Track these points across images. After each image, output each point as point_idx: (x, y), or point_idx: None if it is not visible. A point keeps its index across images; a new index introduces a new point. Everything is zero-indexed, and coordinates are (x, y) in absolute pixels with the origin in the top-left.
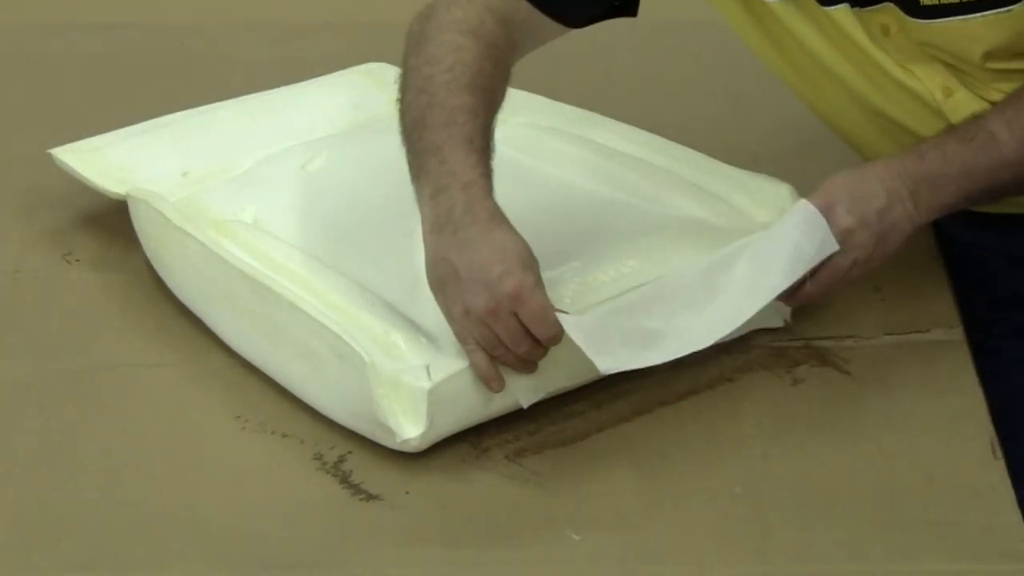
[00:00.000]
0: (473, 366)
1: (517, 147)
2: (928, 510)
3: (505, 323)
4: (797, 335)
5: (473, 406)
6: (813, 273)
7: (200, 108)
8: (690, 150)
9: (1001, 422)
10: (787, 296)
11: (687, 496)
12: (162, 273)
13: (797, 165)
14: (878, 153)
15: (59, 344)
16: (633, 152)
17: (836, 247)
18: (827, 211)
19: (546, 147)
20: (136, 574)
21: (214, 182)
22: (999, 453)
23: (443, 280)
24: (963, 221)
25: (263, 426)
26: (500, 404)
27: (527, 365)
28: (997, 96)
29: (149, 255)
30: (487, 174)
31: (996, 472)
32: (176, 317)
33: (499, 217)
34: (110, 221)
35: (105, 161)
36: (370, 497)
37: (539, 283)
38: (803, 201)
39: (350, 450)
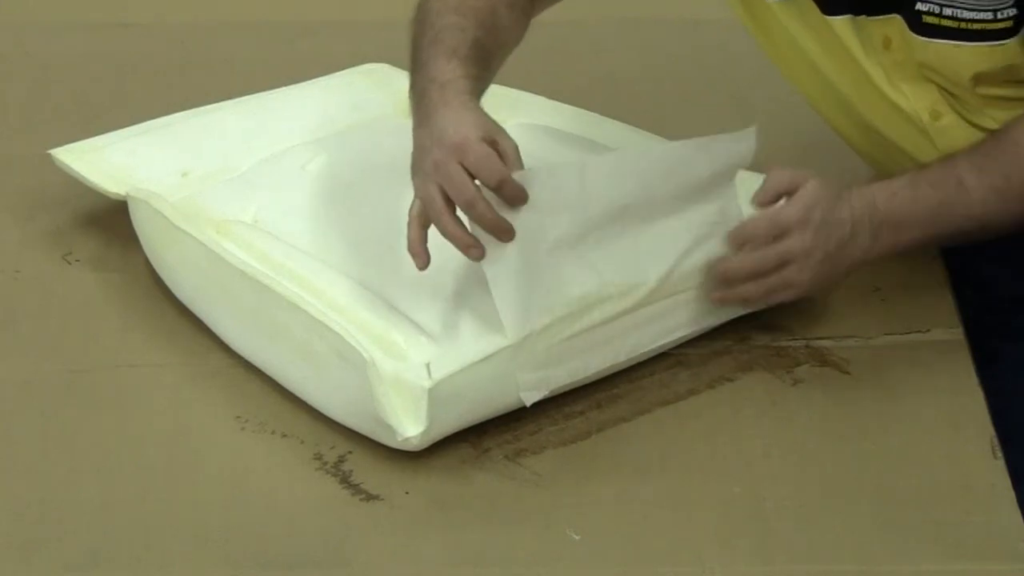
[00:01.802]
0: (408, 240)
1: None
2: (928, 510)
3: (449, 172)
4: (797, 335)
5: (474, 404)
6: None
7: (200, 108)
8: None
9: (997, 425)
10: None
11: (687, 496)
12: (162, 273)
13: (797, 165)
14: (874, 160)
15: (59, 344)
16: None
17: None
18: (798, 223)
19: (546, 147)
20: (136, 574)
21: (214, 182)
22: (999, 453)
23: (415, 165)
24: None
25: (263, 426)
26: (501, 402)
27: (463, 234)
28: (987, 122)
29: (149, 255)
30: (469, 76)
31: (996, 472)
32: (176, 317)
33: (471, 103)
34: (110, 221)
35: (105, 161)
36: (370, 497)
37: (486, 141)
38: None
39: (350, 450)
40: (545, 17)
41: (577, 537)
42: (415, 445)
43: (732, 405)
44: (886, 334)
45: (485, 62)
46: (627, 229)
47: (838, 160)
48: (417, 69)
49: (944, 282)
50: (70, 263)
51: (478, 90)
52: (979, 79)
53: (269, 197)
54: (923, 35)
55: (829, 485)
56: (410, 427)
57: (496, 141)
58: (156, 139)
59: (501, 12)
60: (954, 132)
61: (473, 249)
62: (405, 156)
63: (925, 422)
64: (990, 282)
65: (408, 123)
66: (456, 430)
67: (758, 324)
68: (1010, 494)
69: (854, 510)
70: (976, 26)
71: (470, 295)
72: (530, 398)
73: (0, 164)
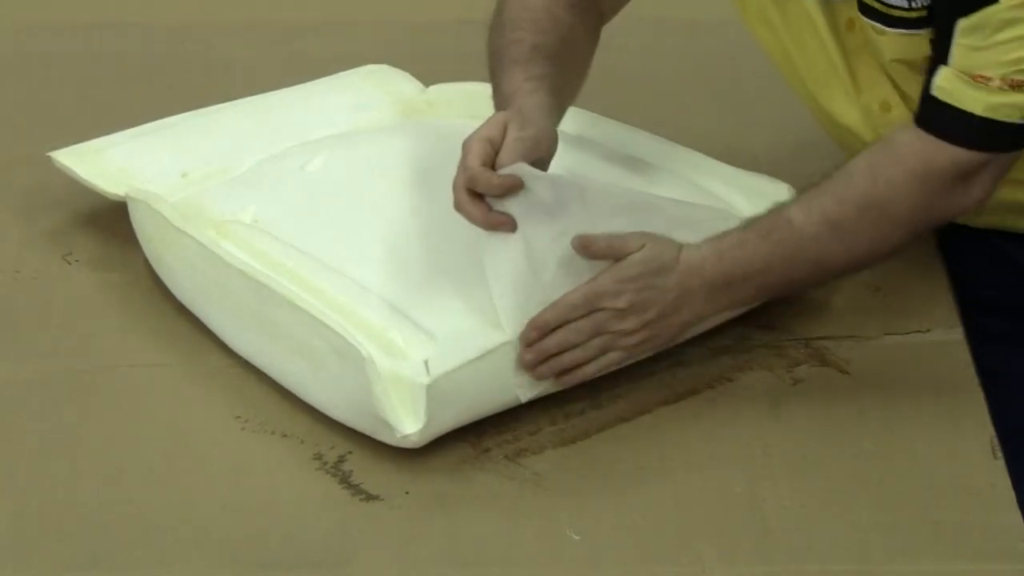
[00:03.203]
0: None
1: None
2: (928, 510)
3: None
4: (797, 335)
5: (473, 401)
6: None
7: (200, 110)
8: (690, 150)
9: (996, 425)
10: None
11: (687, 496)
12: (162, 273)
13: (797, 165)
14: (845, 151)
15: (59, 344)
16: (633, 152)
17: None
18: (608, 293)
19: None
20: (136, 574)
21: (214, 182)
22: (999, 453)
23: None
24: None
25: (263, 426)
26: (500, 399)
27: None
28: None
29: (149, 256)
30: (531, 78)
31: (996, 472)
32: (176, 317)
33: (517, 106)
34: (110, 221)
35: (105, 163)
36: (370, 497)
37: (488, 135)
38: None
39: (350, 450)
40: None
41: (577, 537)
42: (414, 442)
43: (732, 405)
44: (886, 334)
45: (548, 61)
46: (625, 226)
47: (837, 160)
48: (495, 92)
49: (944, 282)
50: (70, 263)
51: (544, 88)
52: (911, 67)
53: (269, 197)
54: (864, 15)
55: (829, 485)
56: (409, 424)
57: (496, 139)
58: (156, 140)
59: (559, 14)
60: None
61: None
62: (404, 156)
63: (925, 422)
64: (973, 286)
65: (407, 124)
66: (455, 427)
67: (758, 324)
68: (1010, 494)
69: (854, 510)
70: (896, 12)
71: (468, 293)
72: (525, 394)
73: (0, 164)
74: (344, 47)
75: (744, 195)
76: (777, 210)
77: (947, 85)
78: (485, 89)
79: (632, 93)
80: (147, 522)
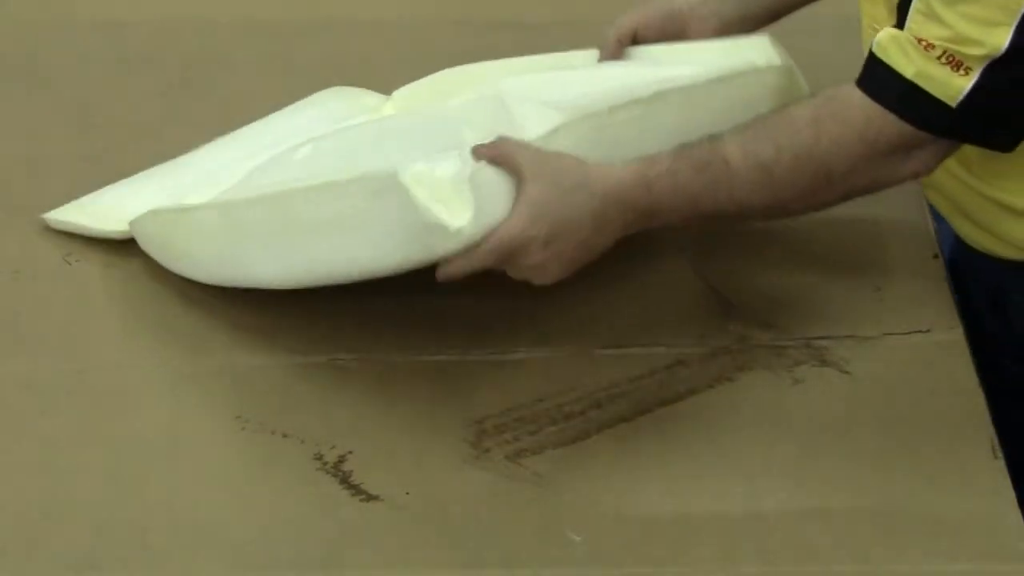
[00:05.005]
0: None
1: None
2: (928, 510)
3: None
4: (797, 335)
5: (511, 191)
6: None
7: (178, 158)
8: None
9: (997, 425)
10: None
11: (687, 496)
12: (184, 265)
13: None
14: None
15: (59, 344)
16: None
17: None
18: (521, 245)
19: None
20: (136, 574)
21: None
22: (999, 453)
23: None
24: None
25: (263, 426)
26: None
27: None
28: None
29: (164, 261)
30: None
31: (996, 472)
32: (176, 317)
33: None
34: None
35: (101, 209)
36: (370, 497)
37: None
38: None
39: (350, 450)
40: (545, 17)
41: (577, 538)
42: (469, 235)
43: (732, 405)
44: (886, 334)
45: None
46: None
47: None
48: None
49: (944, 282)
50: (70, 263)
51: None
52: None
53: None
54: None
55: (829, 485)
56: (459, 216)
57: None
58: (146, 181)
59: None
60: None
61: None
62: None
63: (925, 422)
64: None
65: (388, 116)
66: (501, 218)
67: (758, 324)
68: (1010, 494)
69: (854, 510)
70: None
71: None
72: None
73: (0, 164)
74: (344, 47)
75: (722, 52)
76: (712, 143)
77: (886, 43)
78: (447, 76)
79: None
80: (147, 522)
